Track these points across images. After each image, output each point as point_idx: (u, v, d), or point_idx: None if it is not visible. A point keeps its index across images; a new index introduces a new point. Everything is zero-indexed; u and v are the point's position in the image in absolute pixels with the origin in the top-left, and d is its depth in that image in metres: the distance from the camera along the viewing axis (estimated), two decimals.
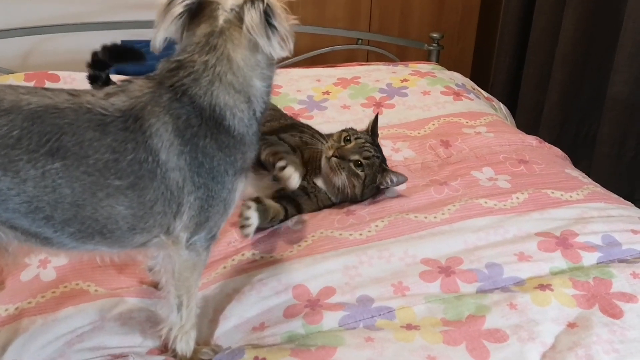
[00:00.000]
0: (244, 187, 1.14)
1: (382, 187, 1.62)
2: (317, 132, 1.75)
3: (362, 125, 2.02)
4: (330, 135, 1.68)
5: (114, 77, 2.29)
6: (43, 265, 1.34)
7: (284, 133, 1.66)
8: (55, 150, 0.95)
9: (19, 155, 0.93)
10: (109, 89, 1.05)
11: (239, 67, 1.06)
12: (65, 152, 0.95)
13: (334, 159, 1.55)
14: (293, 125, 1.74)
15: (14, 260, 1.05)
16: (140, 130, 1.00)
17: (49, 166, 0.94)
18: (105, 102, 1.01)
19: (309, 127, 1.78)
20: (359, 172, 1.56)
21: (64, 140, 0.95)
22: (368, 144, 1.59)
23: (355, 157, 1.56)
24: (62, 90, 1.02)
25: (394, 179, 1.61)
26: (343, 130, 1.64)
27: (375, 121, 1.71)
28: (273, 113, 1.82)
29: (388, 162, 1.68)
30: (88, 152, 0.97)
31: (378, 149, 1.64)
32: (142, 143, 1.00)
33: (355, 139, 1.59)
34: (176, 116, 1.02)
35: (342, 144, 1.58)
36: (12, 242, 1.01)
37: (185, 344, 1.14)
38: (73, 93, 1.02)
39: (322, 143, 1.61)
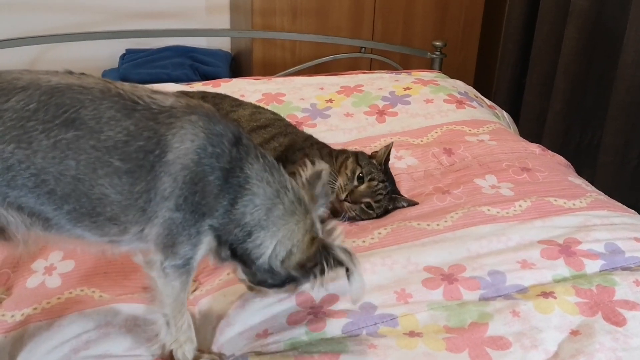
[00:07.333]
0: (206, 250, 1.10)
1: (392, 210, 1.64)
2: (320, 143, 1.75)
3: (365, 133, 2.04)
4: (336, 154, 1.67)
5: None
6: (48, 272, 1.35)
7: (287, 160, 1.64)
8: (70, 121, 0.96)
9: (34, 126, 0.94)
10: (164, 90, 1.06)
11: (288, 191, 1.10)
12: (80, 124, 0.96)
13: (346, 203, 1.57)
14: (294, 144, 1.71)
15: (26, 248, 1.05)
16: (168, 126, 1.00)
17: (62, 136, 0.95)
18: (143, 93, 1.02)
19: (311, 140, 1.76)
20: (370, 212, 1.59)
21: (81, 113, 0.97)
22: (380, 184, 1.60)
23: (367, 199, 1.58)
24: (91, 75, 1.03)
25: (405, 204, 1.64)
26: (357, 163, 1.62)
27: (389, 151, 1.70)
28: (273, 117, 1.83)
29: (391, 170, 1.69)
30: (103, 129, 0.98)
31: (388, 177, 1.65)
32: (160, 136, 1.00)
33: (369, 180, 1.59)
34: (210, 143, 1.02)
35: (356, 183, 1.58)
36: (20, 228, 1.02)
37: (182, 356, 1.14)
38: (106, 80, 1.02)
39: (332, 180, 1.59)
